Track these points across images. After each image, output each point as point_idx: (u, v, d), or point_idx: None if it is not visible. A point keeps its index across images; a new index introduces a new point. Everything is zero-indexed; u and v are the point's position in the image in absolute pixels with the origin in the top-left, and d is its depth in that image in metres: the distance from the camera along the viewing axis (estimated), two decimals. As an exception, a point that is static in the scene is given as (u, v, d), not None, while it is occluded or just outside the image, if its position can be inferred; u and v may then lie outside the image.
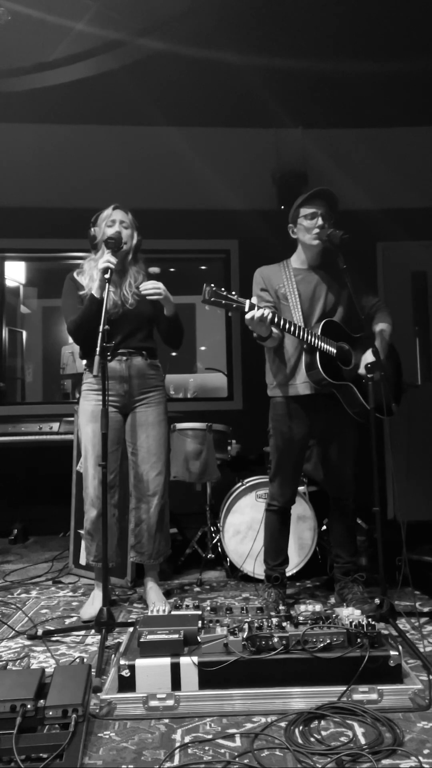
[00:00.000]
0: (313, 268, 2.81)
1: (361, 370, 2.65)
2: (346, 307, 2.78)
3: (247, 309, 2.41)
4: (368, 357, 2.62)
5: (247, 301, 2.43)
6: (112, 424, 2.79)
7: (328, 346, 2.61)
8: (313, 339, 2.57)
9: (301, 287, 2.76)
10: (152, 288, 2.70)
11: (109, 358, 2.78)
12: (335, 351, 2.63)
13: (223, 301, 2.37)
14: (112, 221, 2.83)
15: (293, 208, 2.77)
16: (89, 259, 2.89)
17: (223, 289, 2.38)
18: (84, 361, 2.92)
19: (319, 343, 2.58)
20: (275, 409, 2.80)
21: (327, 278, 2.79)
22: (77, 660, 2.23)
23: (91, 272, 2.80)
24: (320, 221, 2.69)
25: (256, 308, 2.42)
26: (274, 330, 2.63)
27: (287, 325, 2.53)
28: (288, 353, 2.74)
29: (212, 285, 2.35)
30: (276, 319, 2.48)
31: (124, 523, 2.99)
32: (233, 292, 2.40)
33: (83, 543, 3.42)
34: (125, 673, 1.86)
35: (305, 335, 2.56)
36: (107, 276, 2.60)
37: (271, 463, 2.85)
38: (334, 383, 2.61)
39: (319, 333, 2.61)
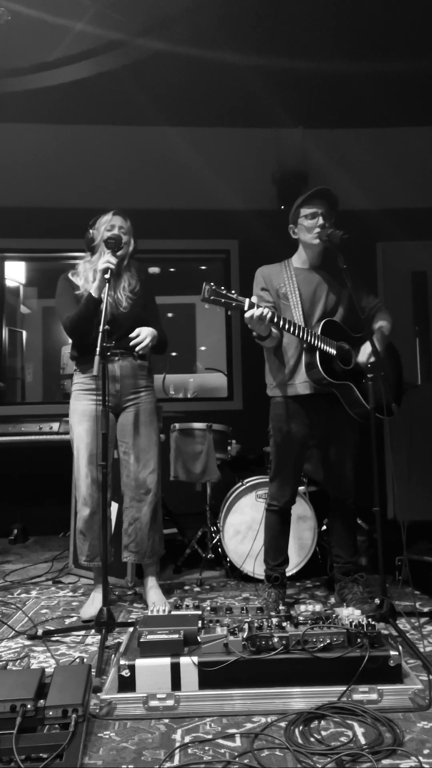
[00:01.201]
0: (314, 268, 2.82)
1: (361, 358, 2.66)
2: (346, 307, 2.78)
3: (246, 307, 2.42)
4: (366, 348, 2.63)
5: (247, 300, 2.43)
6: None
7: (327, 346, 2.61)
8: (312, 339, 2.58)
9: (302, 287, 2.76)
10: (145, 341, 2.75)
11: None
12: (335, 351, 2.64)
13: (223, 300, 2.38)
14: (112, 226, 2.85)
15: (293, 209, 2.78)
16: (85, 260, 2.91)
17: (222, 287, 2.39)
18: (74, 361, 2.93)
19: (319, 342, 2.59)
20: (275, 408, 2.80)
21: (328, 278, 2.80)
22: (77, 660, 2.23)
23: (87, 274, 2.83)
24: (321, 221, 2.70)
25: (255, 307, 2.42)
26: (273, 330, 2.63)
27: (287, 325, 2.53)
28: (288, 353, 2.75)
29: (212, 284, 2.36)
30: (275, 319, 2.49)
31: (118, 522, 2.99)
32: (233, 291, 2.41)
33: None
34: (125, 673, 1.86)
35: (305, 335, 2.56)
36: (107, 276, 2.61)
37: (271, 464, 2.85)
38: (334, 383, 2.61)
39: (318, 333, 2.61)
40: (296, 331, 2.55)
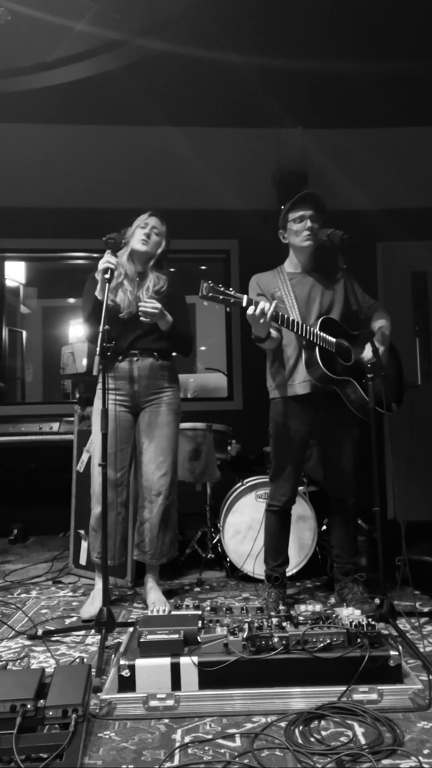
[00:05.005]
0: (306, 271, 2.84)
1: (366, 353, 2.67)
2: (342, 308, 2.81)
3: (244, 304, 2.44)
4: (369, 352, 2.64)
5: (245, 297, 2.45)
6: (121, 423, 2.82)
7: (327, 339, 2.63)
8: (312, 335, 2.59)
9: (297, 289, 2.78)
10: (150, 308, 2.72)
11: (120, 358, 2.80)
12: (334, 344, 2.66)
13: (221, 297, 2.39)
14: (146, 224, 2.88)
15: (282, 215, 2.83)
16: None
17: (220, 285, 2.41)
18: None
19: (318, 338, 2.60)
20: (275, 408, 2.81)
21: (322, 280, 2.83)
22: (77, 660, 2.23)
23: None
24: (309, 223, 2.74)
25: (254, 303, 2.44)
26: (273, 332, 2.64)
27: (287, 320, 2.55)
28: (287, 354, 2.76)
29: (209, 281, 2.38)
30: (275, 313, 2.50)
31: (132, 522, 3.00)
32: (230, 288, 2.43)
33: (84, 542, 3.42)
34: (125, 673, 1.86)
35: (304, 331, 2.58)
36: (107, 276, 2.61)
37: (271, 464, 2.85)
38: (335, 378, 2.62)
39: (317, 330, 2.63)
40: (295, 328, 2.57)
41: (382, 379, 2.51)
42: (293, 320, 2.58)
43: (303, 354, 2.70)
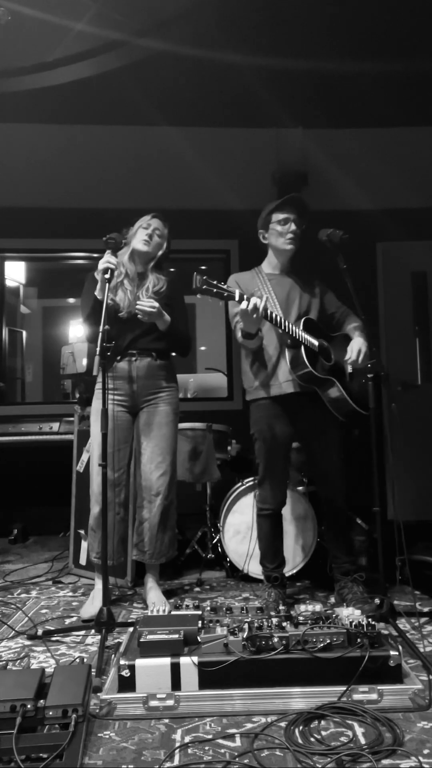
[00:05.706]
0: (285, 273, 2.86)
1: (348, 356, 2.69)
2: (318, 310, 2.83)
3: (237, 298, 2.45)
4: (354, 346, 2.67)
5: (237, 291, 2.46)
6: (119, 423, 2.81)
7: (312, 340, 2.65)
8: (298, 333, 2.61)
9: (277, 290, 2.80)
10: (148, 306, 2.72)
11: (118, 358, 2.81)
12: (317, 345, 2.68)
13: (214, 290, 2.42)
14: (148, 224, 2.89)
15: (264, 215, 2.85)
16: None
17: (214, 280, 2.42)
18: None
19: (304, 336, 2.62)
20: (257, 411, 2.81)
21: (299, 282, 2.86)
22: (77, 660, 2.23)
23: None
24: (293, 226, 2.77)
25: (245, 298, 2.46)
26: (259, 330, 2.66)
27: (275, 317, 2.56)
28: (268, 354, 2.76)
29: (203, 275, 2.40)
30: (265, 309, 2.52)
31: (131, 522, 3.00)
32: (222, 283, 2.45)
33: (83, 542, 3.42)
34: (125, 673, 1.86)
35: (291, 328, 2.59)
36: (107, 276, 2.62)
37: (259, 468, 2.85)
38: (319, 377, 2.64)
39: (301, 329, 2.65)
40: (282, 326, 2.59)
41: (368, 377, 2.53)
42: (281, 317, 2.59)
43: (287, 353, 2.71)
